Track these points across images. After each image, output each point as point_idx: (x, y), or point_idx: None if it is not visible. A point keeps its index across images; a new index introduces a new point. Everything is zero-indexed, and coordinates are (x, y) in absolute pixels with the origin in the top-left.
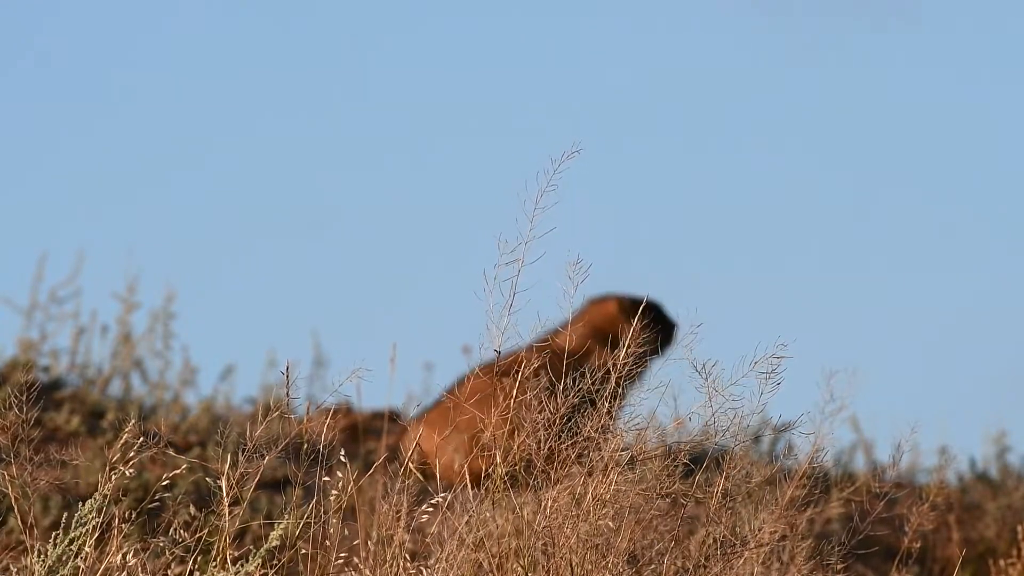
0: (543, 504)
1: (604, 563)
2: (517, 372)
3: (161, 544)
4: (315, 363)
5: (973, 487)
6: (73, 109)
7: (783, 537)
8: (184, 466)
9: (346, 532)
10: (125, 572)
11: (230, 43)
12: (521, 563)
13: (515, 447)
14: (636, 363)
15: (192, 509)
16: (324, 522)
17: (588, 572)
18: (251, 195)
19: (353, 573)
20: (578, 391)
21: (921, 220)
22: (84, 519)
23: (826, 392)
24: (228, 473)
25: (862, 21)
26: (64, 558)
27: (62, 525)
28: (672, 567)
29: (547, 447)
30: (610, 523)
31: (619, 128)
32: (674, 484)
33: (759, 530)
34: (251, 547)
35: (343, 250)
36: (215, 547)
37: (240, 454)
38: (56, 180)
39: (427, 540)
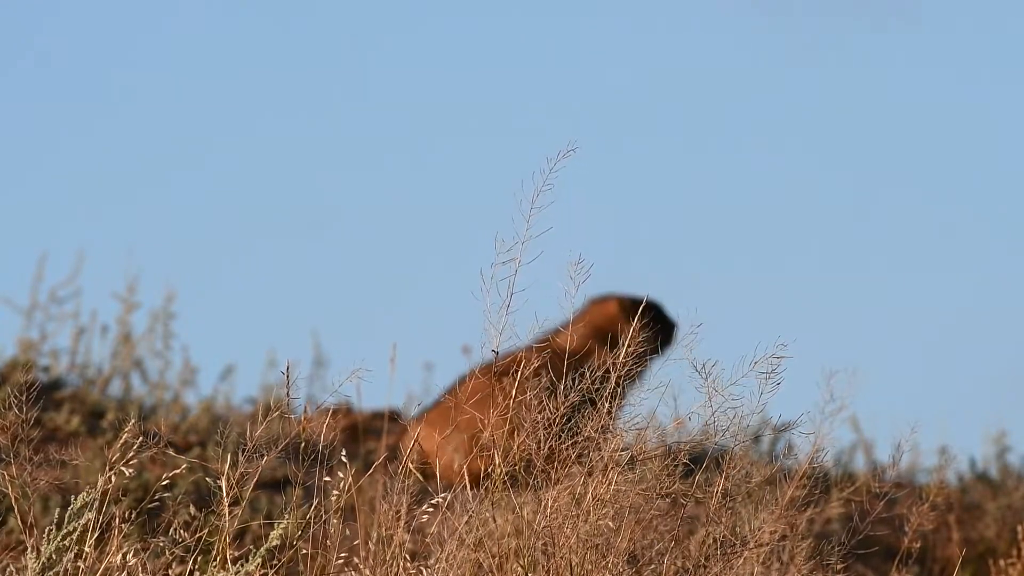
0: (543, 504)
1: (604, 563)
2: (517, 372)
3: (161, 544)
4: (315, 363)
5: (973, 487)
6: (73, 109)
7: (783, 537)
8: (184, 466)
9: (346, 532)
10: (125, 572)
11: (230, 43)
12: (521, 563)
13: (515, 447)
14: (636, 363)
15: (192, 509)
16: (324, 522)
17: (588, 572)
18: (251, 195)
19: (353, 573)
20: (578, 391)
21: (921, 220)
22: (79, 513)
23: (826, 392)
24: (228, 473)
25: (862, 21)
26: (59, 551)
27: (54, 522)
28: (672, 567)
29: (547, 447)
30: (610, 523)
31: (619, 128)
32: (674, 484)
33: (759, 530)
34: (251, 547)
35: (343, 250)
36: (215, 547)
37: (240, 454)
38: (56, 180)
39: (427, 540)
